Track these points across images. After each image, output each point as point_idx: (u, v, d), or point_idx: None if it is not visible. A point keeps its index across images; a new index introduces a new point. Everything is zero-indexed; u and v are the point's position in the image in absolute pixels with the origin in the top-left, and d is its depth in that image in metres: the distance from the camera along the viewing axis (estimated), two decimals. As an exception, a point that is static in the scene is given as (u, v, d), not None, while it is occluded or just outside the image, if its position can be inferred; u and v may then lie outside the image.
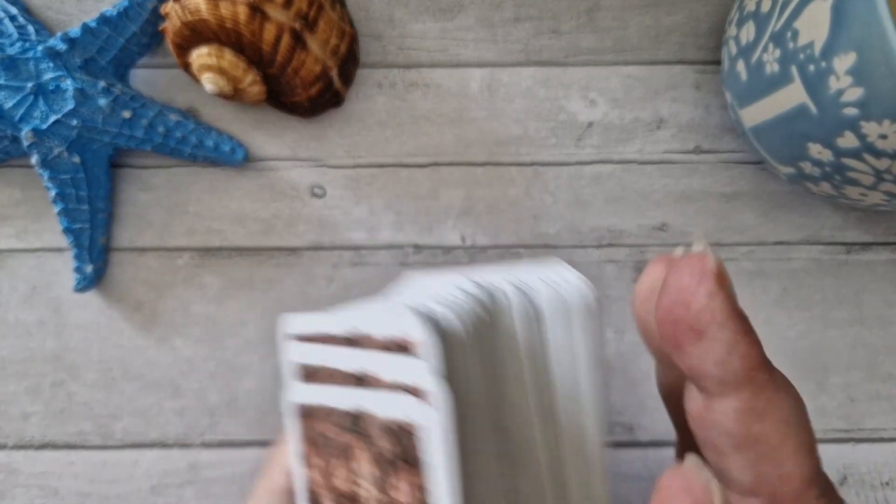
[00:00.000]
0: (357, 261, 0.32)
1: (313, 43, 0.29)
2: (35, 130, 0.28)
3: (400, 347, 0.12)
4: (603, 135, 0.32)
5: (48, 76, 0.29)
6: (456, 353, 0.13)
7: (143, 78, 0.32)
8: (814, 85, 0.22)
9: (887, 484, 0.31)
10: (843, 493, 0.31)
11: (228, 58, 0.28)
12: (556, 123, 0.32)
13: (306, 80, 0.29)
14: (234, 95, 0.30)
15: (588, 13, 0.32)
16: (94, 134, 0.30)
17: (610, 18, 0.32)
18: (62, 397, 0.32)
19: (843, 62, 0.21)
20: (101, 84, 0.29)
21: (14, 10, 0.30)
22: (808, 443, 0.11)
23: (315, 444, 0.14)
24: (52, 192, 0.30)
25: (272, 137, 0.32)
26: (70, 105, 0.29)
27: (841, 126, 0.22)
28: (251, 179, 0.32)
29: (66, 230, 0.30)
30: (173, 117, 0.31)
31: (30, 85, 0.28)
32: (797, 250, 0.32)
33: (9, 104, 0.28)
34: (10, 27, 0.30)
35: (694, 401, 0.12)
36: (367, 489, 0.13)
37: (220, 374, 0.32)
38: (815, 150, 0.24)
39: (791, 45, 0.23)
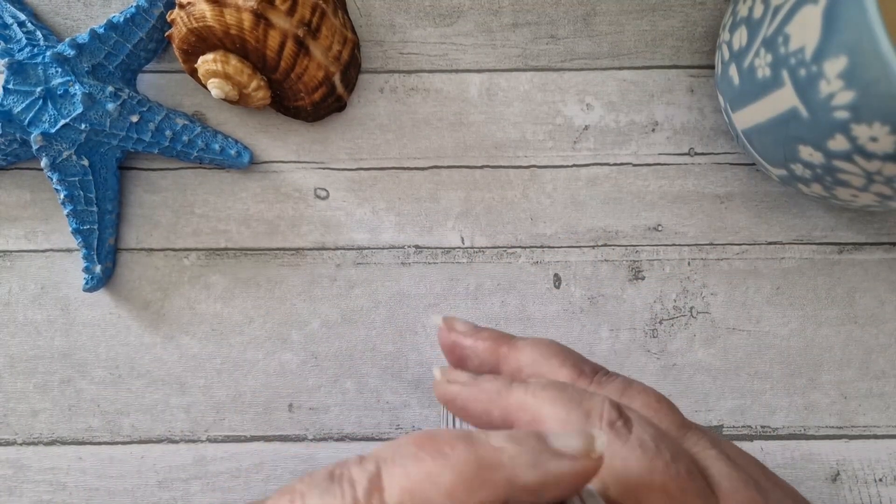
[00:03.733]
0: (360, 261, 0.33)
1: (316, 49, 0.29)
2: (44, 134, 0.29)
3: None
4: (599, 138, 0.33)
5: (56, 81, 0.29)
6: None
7: (150, 82, 0.33)
8: (805, 89, 0.22)
9: (880, 480, 0.31)
10: (837, 489, 0.32)
11: (234, 64, 0.29)
12: (553, 127, 0.33)
13: (310, 85, 0.30)
14: (239, 100, 0.30)
15: (585, 19, 0.33)
16: (102, 137, 0.30)
17: (606, 24, 0.33)
18: (70, 394, 0.32)
19: (834, 66, 0.21)
20: (109, 89, 0.30)
21: (22, 16, 0.30)
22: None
23: None
24: (62, 195, 0.30)
25: (277, 141, 0.33)
26: (78, 109, 0.29)
27: (832, 129, 0.22)
28: (256, 182, 0.33)
29: (75, 231, 0.30)
30: (180, 121, 0.31)
31: (38, 89, 0.28)
32: (790, 250, 0.33)
33: (18, 108, 0.28)
34: (18, 32, 0.30)
35: None
36: None
37: (226, 371, 0.32)
38: (807, 152, 0.24)
39: (782, 49, 0.23)
